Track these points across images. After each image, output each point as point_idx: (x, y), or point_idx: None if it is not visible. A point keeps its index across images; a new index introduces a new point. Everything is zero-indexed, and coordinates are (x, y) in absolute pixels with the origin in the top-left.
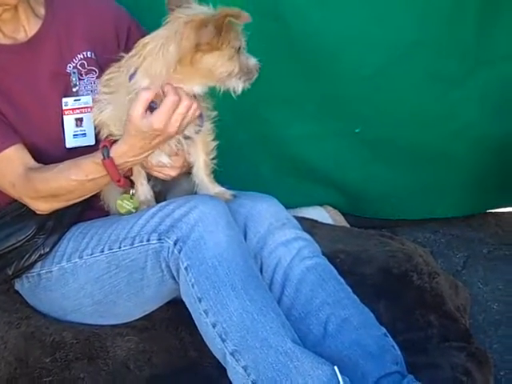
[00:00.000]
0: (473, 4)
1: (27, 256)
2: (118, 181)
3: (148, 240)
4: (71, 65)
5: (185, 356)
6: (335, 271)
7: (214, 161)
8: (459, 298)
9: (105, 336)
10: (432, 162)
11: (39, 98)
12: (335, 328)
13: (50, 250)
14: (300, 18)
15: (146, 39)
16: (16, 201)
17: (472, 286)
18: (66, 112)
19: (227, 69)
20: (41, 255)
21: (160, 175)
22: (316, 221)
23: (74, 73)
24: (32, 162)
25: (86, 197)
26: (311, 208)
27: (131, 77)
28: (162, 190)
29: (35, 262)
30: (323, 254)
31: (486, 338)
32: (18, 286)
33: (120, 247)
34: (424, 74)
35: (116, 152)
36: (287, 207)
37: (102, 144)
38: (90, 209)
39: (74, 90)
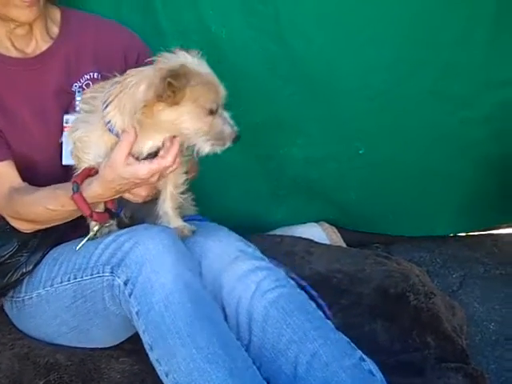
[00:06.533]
0: (483, 27)
1: (10, 274)
2: (90, 215)
3: (103, 272)
4: (77, 84)
5: None
6: (301, 297)
7: (183, 195)
8: (456, 319)
9: (99, 358)
10: (433, 181)
11: (41, 113)
12: (305, 368)
13: (33, 268)
14: (302, 40)
15: (133, 71)
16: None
17: (468, 306)
18: (66, 129)
19: (192, 127)
20: (23, 273)
21: (130, 197)
22: (312, 240)
23: (78, 92)
24: (18, 181)
25: (69, 219)
26: (307, 225)
27: (108, 104)
28: (136, 216)
29: (18, 280)
30: (319, 274)
31: (483, 359)
32: (7, 310)
33: (82, 277)
34: (429, 95)
35: (89, 193)
36: (284, 224)
37: (72, 179)
38: (76, 228)
39: (77, 108)
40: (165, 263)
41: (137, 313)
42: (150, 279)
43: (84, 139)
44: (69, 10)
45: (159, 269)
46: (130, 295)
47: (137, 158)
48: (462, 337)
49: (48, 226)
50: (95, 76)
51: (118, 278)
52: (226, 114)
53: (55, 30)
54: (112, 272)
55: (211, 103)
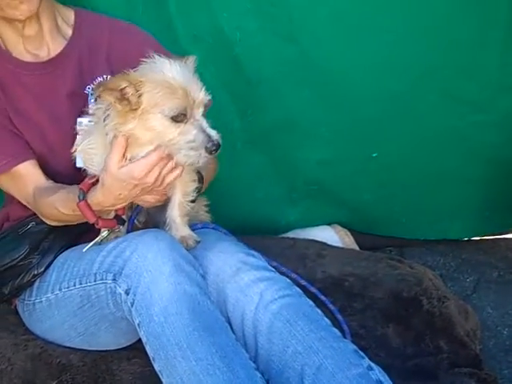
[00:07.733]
0: (497, 29)
1: (22, 275)
2: (96, 223)
3: (106, 278)
4: (90, 86)
5: None
6: (305, 305)
7: (192, 204)
8: (469, 323)
9: (111, 359)
10: (447, 184)
11: (55, 116)
12: (311, 380)
13: (44, 270)
14: (316, 43)
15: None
16: (22, 219)
17: (482, 311)
18: (80, 132)
19: (157, 135)
20: (34, 275)
21: (138, 201)
22: (325, 243)
23: (91, 94)
24: (42, 180)
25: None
26: (320, 228)
27: (106, 116)
28: (149, 221)
29: (30, 282)
30: (332, 277)
31: (496, 364)
32: (20, 312)
33: (87, 283)
34: (442, 98)
35: (92, 200)
36: (297, 227)
37: (80, 186)
38: (89, 230)
39: (90, 112)
40: (163, 272)
41: (138, 324)
42: (149, 289)
43: (88, 151)
44: (83, 11)
45: (158, 278)
46: (132, 305)
47: None
48: (475, 342)
49: (73, 223)
50: (109, 78)
51: (119, 286)
52: (204, 122)
53: (68, 31)
54: (114, 279)
55: (172, 110)
